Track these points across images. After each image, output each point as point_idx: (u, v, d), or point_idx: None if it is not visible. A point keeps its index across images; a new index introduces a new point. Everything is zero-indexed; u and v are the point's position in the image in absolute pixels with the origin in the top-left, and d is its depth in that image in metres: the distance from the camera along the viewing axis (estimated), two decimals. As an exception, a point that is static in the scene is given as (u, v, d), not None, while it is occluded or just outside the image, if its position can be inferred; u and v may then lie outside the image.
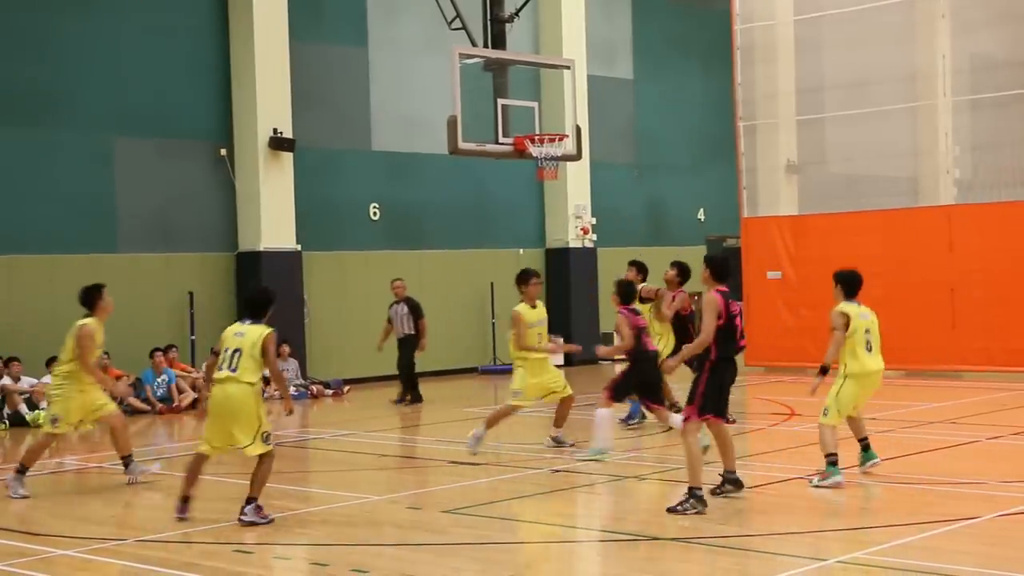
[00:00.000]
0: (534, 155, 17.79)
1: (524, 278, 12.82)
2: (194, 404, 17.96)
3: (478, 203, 23.55)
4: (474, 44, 18.06)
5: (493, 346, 23.40)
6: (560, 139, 18.00)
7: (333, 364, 20.69)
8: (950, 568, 7.51)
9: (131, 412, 17.59)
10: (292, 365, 19.81)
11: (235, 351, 9.42)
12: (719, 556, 8.17)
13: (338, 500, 10.52)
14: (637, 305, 12.83)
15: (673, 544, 8.53)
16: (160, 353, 18.14)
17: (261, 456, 9.41)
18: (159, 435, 15.93)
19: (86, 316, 11.41)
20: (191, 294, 19.58)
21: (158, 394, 17.92)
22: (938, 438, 12.70)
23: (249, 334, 9.48)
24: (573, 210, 24.40)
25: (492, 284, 23.49)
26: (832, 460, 10.28)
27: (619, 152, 25.92)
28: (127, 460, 11.56)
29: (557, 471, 11.60)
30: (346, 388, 19.92)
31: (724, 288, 9.69)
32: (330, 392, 19.55)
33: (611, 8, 25.90)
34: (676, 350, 14.28)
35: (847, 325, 10.35)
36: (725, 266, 9.90)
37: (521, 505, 10.10)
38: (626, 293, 12.42)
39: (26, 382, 16.94)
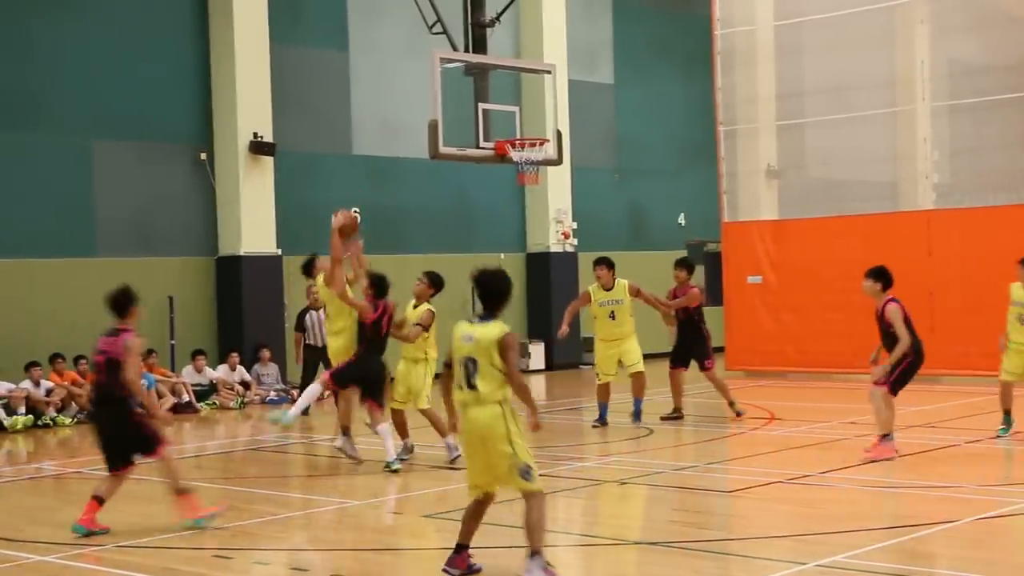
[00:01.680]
0: (515, 159, 17.79)
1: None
2: (173, 409, 17.90)
3: (459, 208, 23.55)
4: (455, 48, 18.06)
5: (474, 350, 23.37)
6: (541, 143, 18.01)
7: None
8: (928, 571, 7.55)
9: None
10: (272, 370, 19.76)
11: (467, 360, 7.50)
12: (699, 560, 8.18)
13: (318, 504, 10.50)
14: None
15: (653, 548, 8.55)
16: (139, 358, 18.02)
17: (526, 496, 7.55)
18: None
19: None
20: (171, 298, 19.50)
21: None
22: (917, 442, 12.76)
23: (481, 336, 7.55)
24: (554, 214, 24.43)
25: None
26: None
27: (600, 156, 25.96)
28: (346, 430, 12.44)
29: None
30: (326, 393, 19.78)
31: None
32: (311, 397, 19.35)
33: (592, 13, 25.94)
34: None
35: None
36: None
37: (501, 509, 10.08)
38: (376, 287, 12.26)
39: (2, 387, 16.82)
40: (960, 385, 17.79)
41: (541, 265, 24.44)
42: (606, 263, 14.95)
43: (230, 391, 18.92)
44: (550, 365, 24.00)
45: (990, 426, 13.20)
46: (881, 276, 11.87)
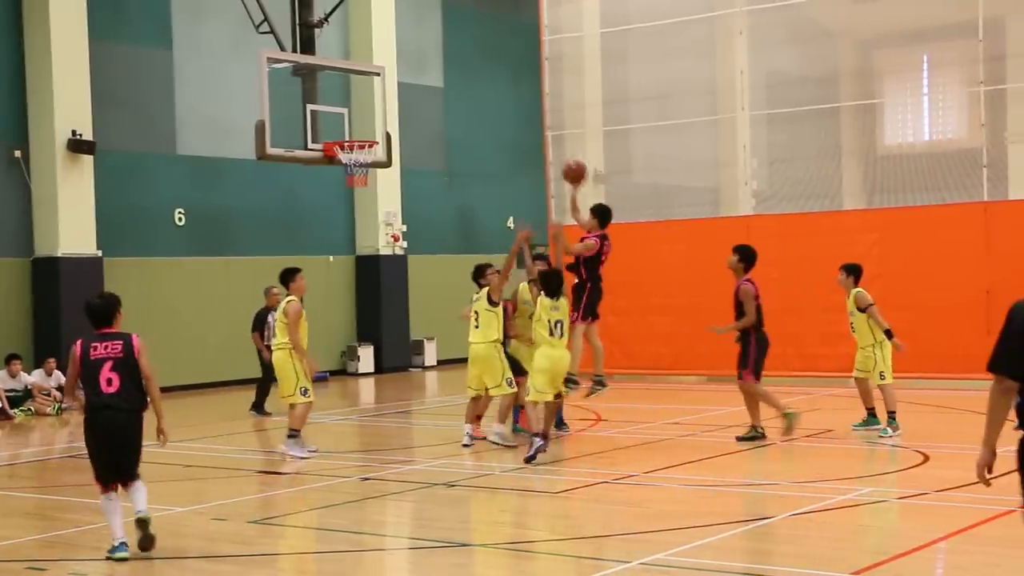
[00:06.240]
0: (344, 161, 17.70)
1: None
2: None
3: (287, 209, 23.26)
4: (283, 48, 17.86)
5: (302, 354, 23.12)
6: (370, 146, 17.96)
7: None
8: (744, 566, 7.79)
9: (-83, 425, 16.75)
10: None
11: (558, 321, 12.12)
12: (526, 561, 8.27)
13: (139, 513, 10.22)
14: None
15: (481, 550, 8.60)
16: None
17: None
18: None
19: (288, 296, 12.69)
20: (-17, 301, 18.77)
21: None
22: (736, 441, 13.16)
23: (562, 306, 12.25)
24: (383, 217, 24.36)
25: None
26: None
27: (429, 159, 25.99)
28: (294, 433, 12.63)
29: (366, 479, 11.55)
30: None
31: None
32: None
33: (421, 16, 25.95)
34: None
35: None
36: None
37: (330, 514, 10.01)
38: None
39: None
40: (776, 386, 18.32)
41: (371, 268, 24.33)
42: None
43: (47, 397, 18.28)
44: (379, 368, 23.93)
45: (804, 425, 13.69)
46: None
